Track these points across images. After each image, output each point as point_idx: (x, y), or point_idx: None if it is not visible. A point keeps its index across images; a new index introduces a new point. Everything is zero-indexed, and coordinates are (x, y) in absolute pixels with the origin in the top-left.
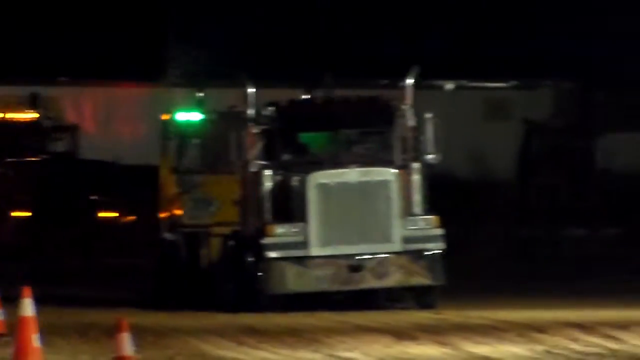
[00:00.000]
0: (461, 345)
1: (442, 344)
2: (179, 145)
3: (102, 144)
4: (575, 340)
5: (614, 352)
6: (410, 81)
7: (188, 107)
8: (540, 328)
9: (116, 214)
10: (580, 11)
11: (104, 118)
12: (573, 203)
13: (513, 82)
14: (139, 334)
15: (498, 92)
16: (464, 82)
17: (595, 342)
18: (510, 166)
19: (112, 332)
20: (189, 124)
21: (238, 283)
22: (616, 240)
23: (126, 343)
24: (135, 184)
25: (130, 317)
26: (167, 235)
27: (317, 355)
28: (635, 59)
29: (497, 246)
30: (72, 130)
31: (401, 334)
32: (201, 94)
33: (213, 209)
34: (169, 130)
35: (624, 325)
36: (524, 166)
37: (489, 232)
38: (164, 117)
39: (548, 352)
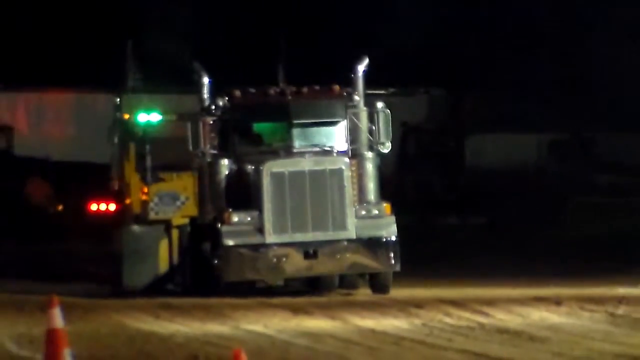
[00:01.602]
0: (350, 320)
1: (333, 318)
2: (141, 144)
3: (34, 143)
4: (448, 315)
5: (482, 325)
6: (361, 70)
7: (148, 109)
8: (418, 304)
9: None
10: (448, 26)
11: (36, 120)
12: (445, 195)
13: (392, 90)
14: (68, 309)
15: (379, 98)
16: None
17: (466, 317)
18: (390, 163)
19: (45, 307)
20: (149, 125)
21: (194, 270)
22: (483, 228)
23: (57, 317)
24: (64, 178)
25: (61, 294)
26: (132, 228)
27: (224, 328)
28: (500, 68)
29: None
30: (7, 131)
31: (298, 309)
32: (117, 100)
33: (179, 203)
34: (131, 131)
35: (490, 302)
36: (402, 163)
37: None
38: (125, 117)
39: (425, 325)
